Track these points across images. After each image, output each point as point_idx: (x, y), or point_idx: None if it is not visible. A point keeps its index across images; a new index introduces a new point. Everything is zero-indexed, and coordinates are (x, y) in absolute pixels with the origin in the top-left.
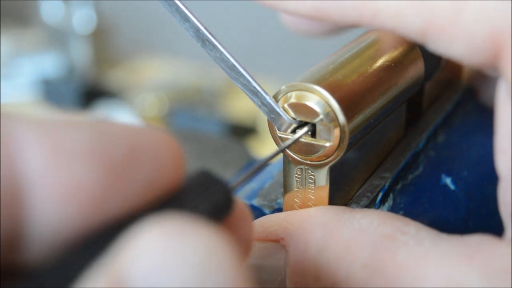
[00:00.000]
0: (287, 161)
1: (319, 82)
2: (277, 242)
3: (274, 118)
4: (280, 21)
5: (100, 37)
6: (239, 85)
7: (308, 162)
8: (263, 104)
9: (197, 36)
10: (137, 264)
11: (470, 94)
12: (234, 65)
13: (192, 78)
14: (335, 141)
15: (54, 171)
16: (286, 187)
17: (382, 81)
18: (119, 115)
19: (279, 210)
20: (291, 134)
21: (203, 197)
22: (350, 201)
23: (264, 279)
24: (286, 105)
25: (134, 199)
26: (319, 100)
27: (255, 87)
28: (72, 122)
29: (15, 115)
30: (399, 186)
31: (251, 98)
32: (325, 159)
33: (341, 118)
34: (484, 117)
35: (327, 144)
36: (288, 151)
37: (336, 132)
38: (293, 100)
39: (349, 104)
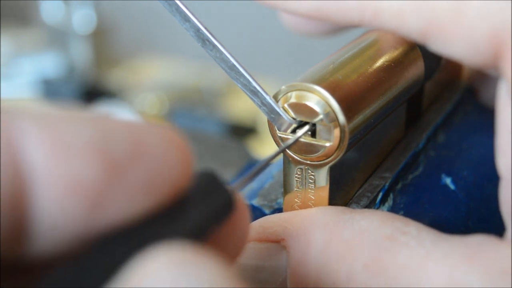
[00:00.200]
0: (287, 161)
1: (319, 82)
2: (278, 242)
3: (274, 118)
4: (280, 21)
5: (100, 37)
6: (239, 85)
7: (308, 162)
8: (263, 104)
9: (197, 36)
10: None
11: (470, 94)
12: (234, 65)
13: (192, 78)
14: (335, 141)
15: (55, 165)
16: (286, 187)
17: (382, 81)
18: (119, 115)
19: (279, 210)
20: (291, 134)
21: (207, 201)
22: (350, 201)
23: (265, 280)
24: (286, 105)
25: (138, 197)
26: (319, 100)
27: (255, 87)
28: (75, 116)
29: (18, 109)
30: (399, 186)
31: (251, 98)
32: (325, 159)
33: (341, 118)
34: (484, 117)
35: (327, 144)
36: (288, 151)
37: (336, 132)
38: (293, 100)
39: (349, 104)
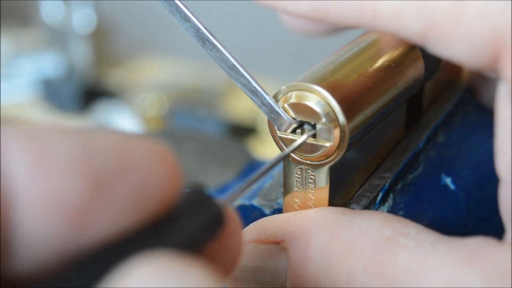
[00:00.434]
0: (287, 161)
1: (319, 82)
2: (278, 244)
3: (274, 118)
4: (280, 21)
5: (100, 37)
6: (239, 85)
7: (308, 162)
8: (263, 104)
9: (197, 36)
10: None
11: (470, 94)
12: (234, 65)
13: (192, 78)
14: (335, 141)
15: (37, 181)
16: (286, 187)
17: (382, 81)
18: (119, 116)
19: (279, 210)
20: (291, 134)
21: (194, 215)
22: (350, 201)
23: (265, 281)
24: (286, 105)
25: (124, 212)
26: (319, 100)
27: (255, 87)
28: (59, 130)
29: (2, 123)
30: (399, 186)
31: (251, 98)
32: (325, 159)
33: (341, 118)
34: (484, 117)
35: (327, 144)
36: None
37: (336, 132)
38: (293, 100)
39: (349, 104)
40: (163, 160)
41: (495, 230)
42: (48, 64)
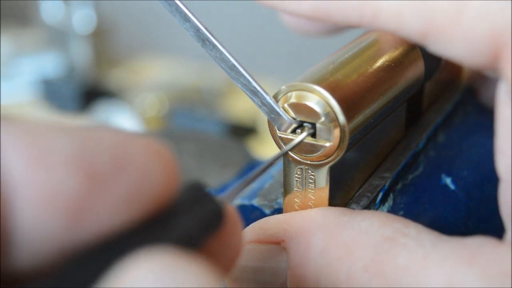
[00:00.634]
0: (287, 161)
1: (319, 82)
2: (278, 244)
3: (274, 118)
4: (280, 21)
5: (100, 37)
6: (239, 85)
7: (308, 162)
8: (263, 104)
9: (197, 36)
10: None
11: (470, 94)
12: (234, 65)
13: (192, 78)
14: (335, 141)
15: (34, 177)
16: (286, 187)
17: (382, 81)
18: (119, 115)
19: (279, 210)
20: (291, 134)
21: (193, 212)
22: (350, 201)
23: (265, 281)
24: (286, 105)
25: (121, 209)
26: (319, 100)
27: (255, 87)
28: (57, 127)
29: (2, 119)
30: (399, 186)
31: (251, 98)
32: (325, 159)
33: (341, 118)
34: (484, 117)
35: (327, 144)
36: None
37: (336, 132)
38: (293, 100)
39: (349, 104)
40: (160, 157)
41: (495, 230)
42: (48, 64)
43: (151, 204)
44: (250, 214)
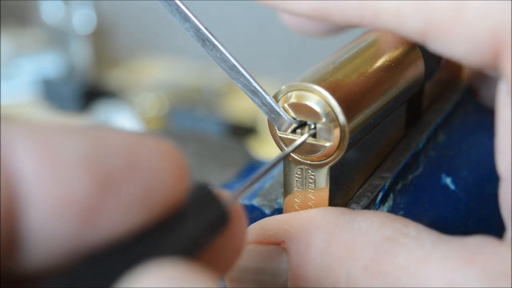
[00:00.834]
0: (287, 161)
1: (319, 82)
2: (278, 244)
3: (274, 118)
4: (280, 21)
5: (100, 37)
6: (239, 85)
7: (308, 162)
8: (263, 104)
9: (197, 36)
10: None
11: (470, 94)
12: (234, 65)
13: (192, 78)
14: (335, 141)
15: (46, 179)
16: (286, 187)
17: (382, 81)
18: (119, 115)
19: (279, 210)
20: (291, 134)
21: (201, 215)
22: (350, 201)
23: (265, 282)
24: (286, 105)
25: (132, 211)
26: (319, 100)
27: (255, 87)
28: (68, 129)
29: (11, 120)
30: (399, 186)
31: (251, 98)
32: (325, 159)
33: (341, 118)
34: (484, 117)
35: (327, 144)
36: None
37: (336, 132)
38: (293, 100)
39: (349, 104)
40: (171, 158)
41: (495, 230)
42: (48, 64)
43: (161, 205)
44: (250, 214)
